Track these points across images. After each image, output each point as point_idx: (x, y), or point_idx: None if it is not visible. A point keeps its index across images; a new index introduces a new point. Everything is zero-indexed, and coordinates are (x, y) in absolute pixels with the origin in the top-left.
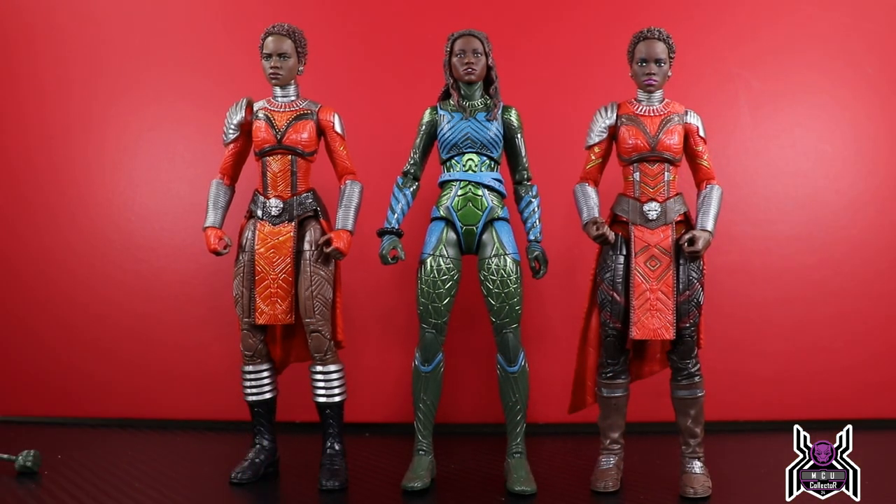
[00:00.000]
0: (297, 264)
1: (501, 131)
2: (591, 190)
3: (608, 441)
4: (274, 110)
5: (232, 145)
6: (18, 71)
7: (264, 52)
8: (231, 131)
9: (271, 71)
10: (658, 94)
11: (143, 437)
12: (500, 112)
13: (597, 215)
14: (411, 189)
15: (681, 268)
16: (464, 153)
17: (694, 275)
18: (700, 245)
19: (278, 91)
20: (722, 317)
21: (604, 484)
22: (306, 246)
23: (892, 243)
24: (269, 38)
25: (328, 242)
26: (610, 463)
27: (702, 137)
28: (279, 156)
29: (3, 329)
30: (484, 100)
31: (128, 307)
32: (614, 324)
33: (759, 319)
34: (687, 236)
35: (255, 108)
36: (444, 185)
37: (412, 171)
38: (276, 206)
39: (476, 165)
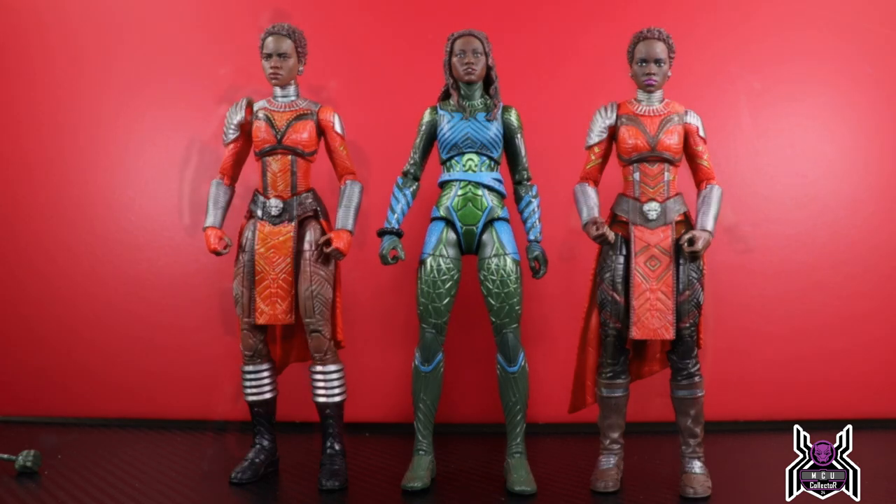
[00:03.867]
0: (297, 264)
1: (501, 131)
2: (591, 190)
3: (608, 441)
4: (274, 110)
5: (232, 145)
6: (10, 73)
7: (264, 52)
8: (231, 131)
9: (271, 71)
10: (658, 94)
11: (143, 437)
12: (499, 112)
13: (597, 215)
14: (411, 189)
15: (681, 268)
16: (464, 153)
17: (694, 275)
18: (700, 245)
19: (278, 91)
20: (722, 317)
21: (604, 484)
22: (306, 246)
23: (892, 243)
24: (269, 38)
25: (328, 242)
26: (610, 463)
27: (702, 137)
28: (279, 156)
29: (4, 329)
30: (484, 100)
31: (128, 307)
32: (614, 324)
33: (759, 319)
34: (687, 236)
35: (255, 108)
36: (444, 185)
37: (412, 171)
38: (276, 206)
39: (476, 165)
